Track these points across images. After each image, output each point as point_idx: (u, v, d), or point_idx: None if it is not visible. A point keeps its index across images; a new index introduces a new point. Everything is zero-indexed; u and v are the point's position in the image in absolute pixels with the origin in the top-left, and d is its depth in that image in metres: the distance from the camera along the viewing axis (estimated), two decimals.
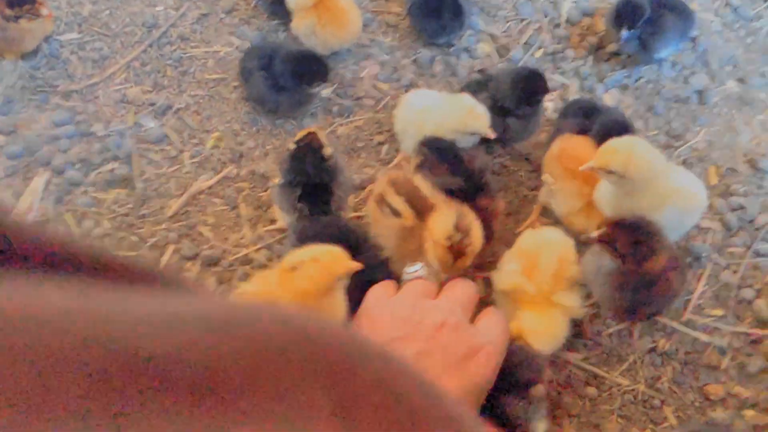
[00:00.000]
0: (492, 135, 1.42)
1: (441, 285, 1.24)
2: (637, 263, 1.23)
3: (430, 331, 1.07)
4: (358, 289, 1.19)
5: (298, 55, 1.61)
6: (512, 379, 1.14)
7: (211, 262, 1.52)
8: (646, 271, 1.23)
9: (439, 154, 1.37)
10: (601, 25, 1.76)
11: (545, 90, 1.51)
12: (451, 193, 1.33)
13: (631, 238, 1.23)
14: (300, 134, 1.39)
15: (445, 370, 1.03)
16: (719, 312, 1.44)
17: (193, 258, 1.53)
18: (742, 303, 1.45)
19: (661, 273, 1.24)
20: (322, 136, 1.40)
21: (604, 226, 1.25)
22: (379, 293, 1.18)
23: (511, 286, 1.29)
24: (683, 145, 1.63)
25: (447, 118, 1.44)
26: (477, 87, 1.56)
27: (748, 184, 1.58)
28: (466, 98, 1.46)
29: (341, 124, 1.67)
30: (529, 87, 1.49)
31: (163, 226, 1.56)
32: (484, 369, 1.07)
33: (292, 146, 1.39)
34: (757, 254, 1.50)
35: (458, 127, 1.43)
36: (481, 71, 1.67)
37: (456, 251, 1.23)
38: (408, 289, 1.19)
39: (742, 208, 1.54)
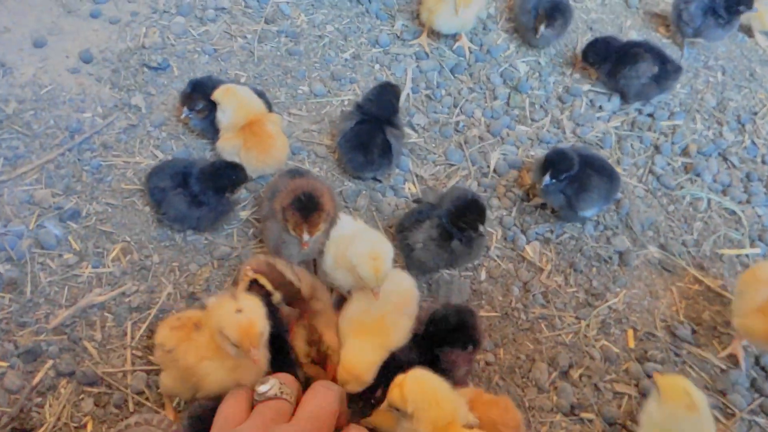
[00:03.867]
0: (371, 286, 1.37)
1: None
2: None
3: None
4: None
5: (214, 169, 1.57)
6: None
7: (88, 382, 1.39)
8: None
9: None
10: (528, 178, 1.77)
11: (483, 214, 1.50)
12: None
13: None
14: (243, 284, 1.33)
15: None
16: None
17: (69, 375, 1.39)
18: None
19: None
20: (264, 280, 1.34)
21: None
22: (222, 423, 1.09)
23: None
24: (602, 304, 1.60)
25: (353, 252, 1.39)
26: (419, 216, 1.55)
27: (666, 351, 1.53)
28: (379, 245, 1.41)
29: (255, 248, 1.61)
30: (473, 211, 1.49)
31: (43, 336, 1.43)
32: None
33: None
34: None
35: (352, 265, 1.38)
36: (417, 200, 1.64)
37: (320, 362, 1.31)
38: (257, 414, 1.09)
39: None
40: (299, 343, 1.33)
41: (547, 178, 1.60)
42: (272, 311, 1.26)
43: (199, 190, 1.54)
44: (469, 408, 1.20)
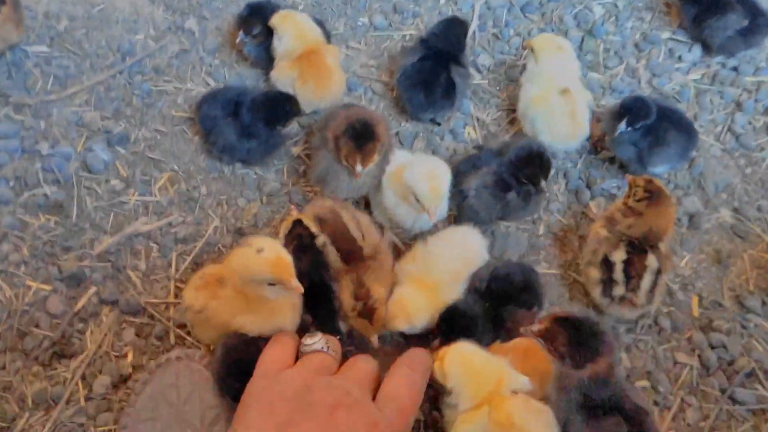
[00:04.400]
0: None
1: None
2: (576, 365, 1.10)
3: (322, 414, 0.95)
4: None
5: (266, 100, 1.50)
6: None
7: (131, 311, 1.36)
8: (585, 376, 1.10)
9: None
10: (597, 129, 1.66)
11: (548, 170, 1.42)
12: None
13: (571, 336, 1.10)
14: (285, 224, 1.27)
15: None
16: None
17: (112, 303, 1.37)
18: None
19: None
20: (308, 221, 1.28)
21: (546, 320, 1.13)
22: (268, 365, 1.05)
23: None
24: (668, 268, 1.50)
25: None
26: (476, 162, 1.48)
27: (732, 321, 1.44)
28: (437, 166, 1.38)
29: (306, 186, 1.54)
30: (536, 165, 1.42)
31: (87, 262, 1.41)
32: None
33: (281, 234, 1.26)
34: (734, 400, 1.34)
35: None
36: (478, 147, 1.56)
37: (366, 315, 1.24)
38: (302, 364, 1.06)
39: (723, 346, 1.40)
40: (345, 296, 1.26)
41: (622, 126, 1.49)
42: (317, 257, 1.20)
43: (250, 121, 1.47)
44: (525, 357, 1.15)
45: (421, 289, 1.28)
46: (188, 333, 1.34)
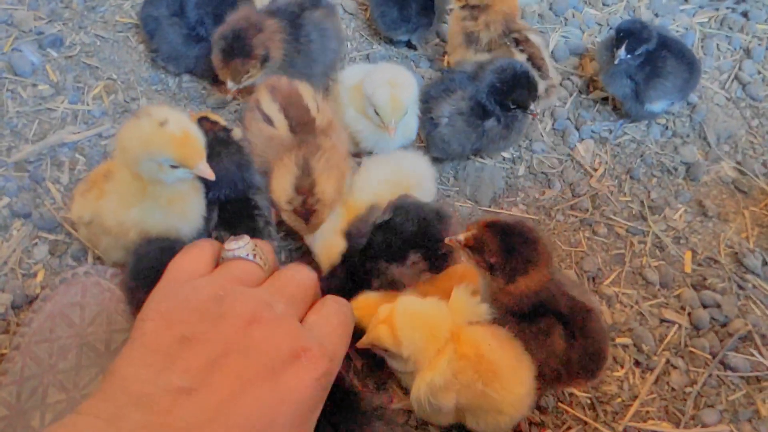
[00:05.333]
0: None
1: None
2: (506, 277, 0.93)
3: (233, 328, 0.74)
4: None
5: None
6: None
7: (46, 228, 1.19)
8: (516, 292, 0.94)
9: None
10: (590, 67, 1.49)
11: (536, 91, 1.25)
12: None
13: (503, 244, 0.93)
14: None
15: (251, 381, 0.70)
16: (667, 427, 1.11)
17: (25, 217, 1.19)
18: (697, 423, 1.12)
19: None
20: (216, 116, 1.09)
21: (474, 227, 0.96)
22: (176, 272, 0.84)
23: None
24: (659, 220, 1.34)
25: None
26: (449, 84, 1.29)
27: (728, 280, 1.28)
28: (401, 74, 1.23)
29: None
30: (523, 85, 1.24)
31: (1, 171, 1.23)
32: (307, 379, 0.73)
33: None
34: (725, 366, 1.18)
35: None
36: (447, 70, 1.37)
37: (304, 215, 1.04)
38: (218, 272, 0.85)
39: (716, 306, 1.23)
40: (282, 182, 1.05)
41: (621, 52, 1.31)
42: (236, 156, 1.03)
43: (196, 20, 1.29)
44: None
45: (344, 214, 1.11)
46: None
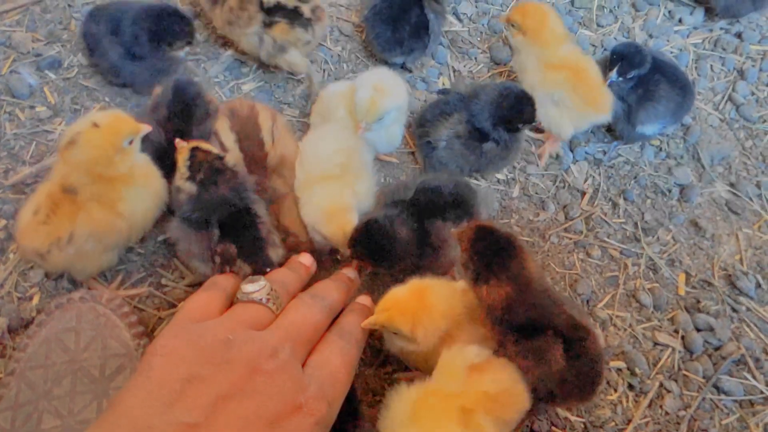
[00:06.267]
0: None
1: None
2: (473, 278, 0.96)
3: (238, 374, 0.77)
4: None
5: (151, 14, 1.30)
6: None
7: None
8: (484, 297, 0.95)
9: None
10: None
11: (535, 111, 1.26)
12: None
13: (474, 245, 0.95)
14: (182, 156, 1.06)
15: (254, 424, 0.73)
16: None
17: None
18: None
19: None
20: (208, 145, 1.09)
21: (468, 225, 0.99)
22: (187, 312, 0.87)
23: None
24: (653, 241, 1.35)
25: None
26: (445, 108, 1.31)
27: (722, 303, 1.28)
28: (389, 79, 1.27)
29: None
30: (525, 105, 1.25)
31: None
32: (306, 425, 0.78)
33: (183, 168, 1.04)
34: (719, 389, 1.19)
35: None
36: (443, 91, 1.37)
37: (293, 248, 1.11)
38: (230, 314, 0.88)
39: (710, 329, 1.24)
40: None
41: (613, 75, 1.33)
42: (232, 179, 1.04)
43: (131, 38, 1.30)
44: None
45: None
46: (105, 278, 1.17)
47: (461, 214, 1.13)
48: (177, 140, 1.06)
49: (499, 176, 1.39)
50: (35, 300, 1.15)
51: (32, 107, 1.35)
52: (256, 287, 0.90)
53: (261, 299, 0.89)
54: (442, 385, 0.91)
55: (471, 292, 0.97)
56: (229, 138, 1.08)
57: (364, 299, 1.04)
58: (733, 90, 1.57)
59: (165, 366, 0.76)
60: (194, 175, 1.01)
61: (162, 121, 1.12)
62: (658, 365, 1.20)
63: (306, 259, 1.08)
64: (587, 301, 1.26)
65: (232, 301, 0.94)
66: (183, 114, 1.12)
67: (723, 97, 1.56)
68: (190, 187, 1.01)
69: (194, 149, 1.03)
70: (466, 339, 0.97)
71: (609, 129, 1.47)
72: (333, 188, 1.12)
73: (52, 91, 1.37)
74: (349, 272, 1.08)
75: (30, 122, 1.33)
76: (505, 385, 0.94)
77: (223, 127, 1.08)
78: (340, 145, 1.16)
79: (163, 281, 1.19)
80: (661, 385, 1.19)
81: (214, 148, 1.05)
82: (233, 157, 1.09)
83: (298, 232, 1.12)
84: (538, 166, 1.41)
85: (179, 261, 1.18)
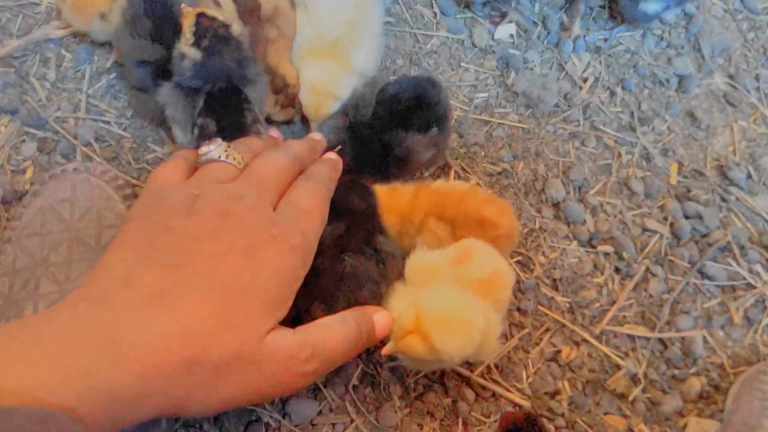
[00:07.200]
0: None
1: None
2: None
3: (207, 218, 0.79)
4: None
5: None
6: None
7: (33, 125, 1.18)
8: None
9: None
10: None
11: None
12: None
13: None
14: (187, 22, 1.01)
15: (227, 256, 0.77)
16: (642, 331, 1.16)
17: (12, 113, 1.19)
18: (672, 328, 1.17)
19: None
20: (214, 11, 1.06)
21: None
22: (158, 180, 0.89)
23: None
24: (648, 131, 1.34)
25: None
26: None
27: (712, 192, 1.30)
28: None
29: None
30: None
31: None
32: (283, 249, 0.80)
33: (188, 34, 1.00)
34: (703, 274, 1.22)
35: None
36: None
37: (291, 103, 1.12)
38: (195, 175, 0.90)
39: (699, 217, 1.26)
40: None
41: None
42: (237, 51, 1.01)
43: None
44: (460, 202, 0.99)
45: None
46: (94, 152, 1.16)
47: (426, 116, 1.08)
48: (183, 5, 1.03)
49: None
50: (29, 173, 1.15)
51: None
52: (212, 146, 0.90)
53: (219, 157, 0.90)
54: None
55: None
56: (236, 27, 1.05)
57: (331, 154, 1.04)
58: None
59: (138, 226, 0.80)
60: (199, 41, 0.99)
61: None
62: (646, 250, 1.23)
63: (275, 132, 1.09)
64: (579, 188, 1.27)
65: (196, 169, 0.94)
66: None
67: None
68: (194, 54, 0.99)
69: (200, 15, 1.01)
70: None
71: (611, 15, 1.44)
72: (323, 65, 1.11)
73: None
74: (317, 135, 1.09)
75: None
76: (493, 265, 0.96)
77: (221, 17, 1.05)
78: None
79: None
80: (647, 269, 1.21)
81: (220, 15, 1.02)
82: (228, 9, 1.06)
83: (286, 74, 1.10)
84: (537, 51, 1.39)
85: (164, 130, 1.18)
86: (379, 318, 0.90)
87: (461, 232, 1.01)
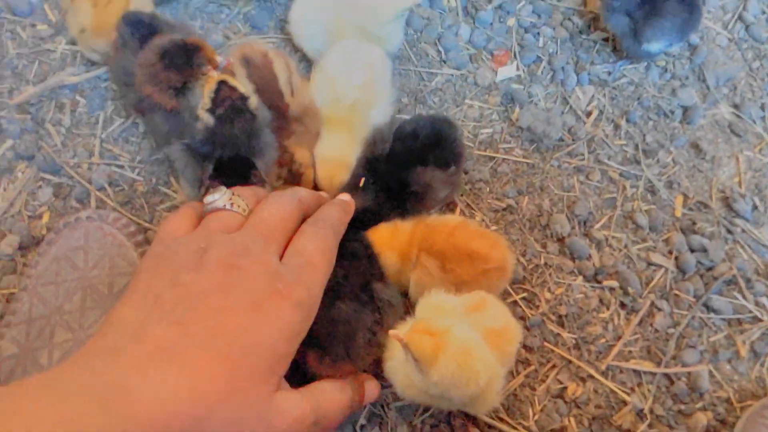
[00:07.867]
0: None
1: None
2: None
3: (214, 273, 0.81)
4: None
5: None
6: None
7: (49, 170, 1.22)
8: None
9: None
10: (594, 2, 1.47)
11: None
12: None
13: None
14: (208, 86, 1.05)
15: (235, 312, 0.79)
16: (648, 366, 1.16)
17: (29, 159, 1.23)
18: (678, 363, 1.17)
19: None
20: (235, 81, 1.09)
21: None
22: (166, 232, 0.92)
23: None
24: (653, 164, 1.36)
25: None
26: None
27: (717, 225, 1.30)
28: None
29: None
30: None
31: (4, 113, 1.26)
32: (287, 306, 0.82)
33: (207, 99, 1.04)
34: (708, 308, 1.22)
35: None
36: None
37: (294, 179, 1.13)
38: (202, 225, 0.92)
39: (703, 250, 1.26)
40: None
41: None
42: (250, 123, 1.04)
43: None
44: (449, 236, 1.01)
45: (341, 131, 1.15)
46: (108, 197, 1.20)
47: (442, 153, 1.12)
48: (208, 68, 1.07)
49: None
50: (45, 218, 1.18)
51: (33, 25, 1.35)
52: (216, 195, 0.93)
53: (224, 205, 0.92)
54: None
55: None
56: (248, 87, 1.08)
57: (344, 196, 1.07)
58: (744, 8, 1.54)
59: (148, 280, 0.82)
60: (215, 108, 1.03)
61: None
62: (651, 285, 1.24)
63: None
64: (584, 222, 1.28)
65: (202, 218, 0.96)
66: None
67: (733, 16, 1.53)
68: (208, 119, 1.03)
69: (221, 82, 1.04)
70: None
71: (615, 48, 1.46)
72: (338, 137, 1.15)
73: (52, 8, 1.36)
74: (345, 196, 1.10)
75: (32, 41, 1.33)
76: (504, 319, 0.97)
77: (240, 73, 1.08)
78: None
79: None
80: (653, 303, 1.22)
81: (240, 86, 1.06)
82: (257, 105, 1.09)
83: (299, 157, 1.13)
84: (541, 86, 1.41)
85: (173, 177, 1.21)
86: (369, 386, 0.96)
87: (451, 265, 1.02)
